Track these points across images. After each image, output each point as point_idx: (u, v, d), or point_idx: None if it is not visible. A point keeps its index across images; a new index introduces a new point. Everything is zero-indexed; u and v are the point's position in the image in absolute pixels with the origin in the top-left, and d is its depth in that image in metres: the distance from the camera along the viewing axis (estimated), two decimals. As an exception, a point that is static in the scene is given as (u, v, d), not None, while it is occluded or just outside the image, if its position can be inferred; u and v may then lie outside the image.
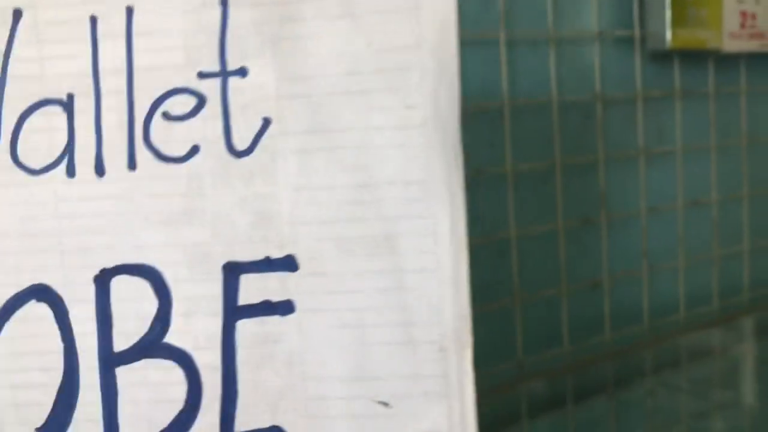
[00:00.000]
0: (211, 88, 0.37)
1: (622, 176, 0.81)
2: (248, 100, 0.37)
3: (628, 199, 0.82)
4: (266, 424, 0.37)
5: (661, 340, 0.82)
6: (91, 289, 0.38)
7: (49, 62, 0.38)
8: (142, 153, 0.37)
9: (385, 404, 0.37)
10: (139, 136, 0.37)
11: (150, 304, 0.37)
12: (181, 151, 0.37)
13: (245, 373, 0.37)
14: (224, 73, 0.37)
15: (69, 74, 0.38)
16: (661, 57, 0.81)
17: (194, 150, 0.37)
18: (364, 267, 0.37)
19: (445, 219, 0.37)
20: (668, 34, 0.78)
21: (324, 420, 0.37)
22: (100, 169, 0.38)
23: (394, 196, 0.37)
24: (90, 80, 0.38)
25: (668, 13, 0.77)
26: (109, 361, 0.37)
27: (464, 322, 0.37)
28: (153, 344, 0.37)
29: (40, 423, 0.37)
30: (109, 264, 0.38)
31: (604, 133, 0.78)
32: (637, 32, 0.79)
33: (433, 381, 0.37)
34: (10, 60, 0.38)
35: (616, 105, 0.80)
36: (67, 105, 0.38)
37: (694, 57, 0.83)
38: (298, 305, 0.37)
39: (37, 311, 0.38)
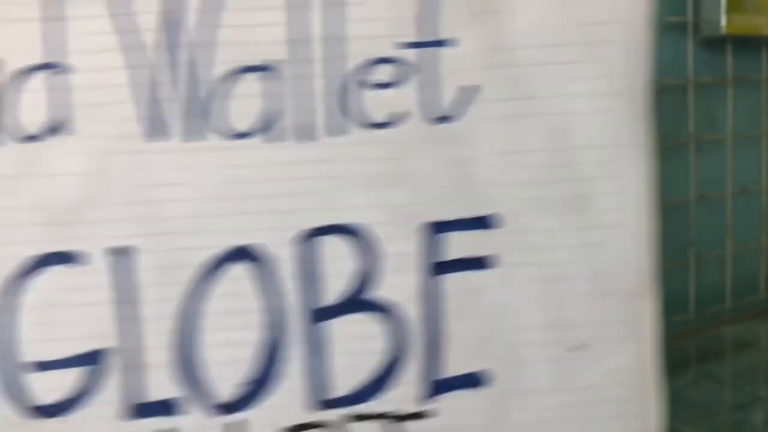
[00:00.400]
0: (419, 57, 0.39)
1: (672, 163, 0.81)
2: (456, 69, 0.39)
3: (677, 186, 0.81)
4: (470, 370, 0.40)
5: (705, 330, 0.82)
6: (294, 250, 0.40)
7: (254, 29, 0.39)
8: (346, 119, 0.40)
9: (580, 347, 0.40)
10: (343, 103, 0.40)
11: (354, 262, 0.40)
12: (387, 118, 0.40)
13: (451, 324, 0.40)
14: (434, 43, 0.39)
15: (273, 41, 0.39)
16: (714, 43, 0.82)
17: (400, 117, 0.40)
18: (560, 224, 0.40)
19: (635, 180, 0.40)
20: (723, 20, 0.78)
21: (526, 364, 0.40)
22: (302, 135, 0.40)
23: (589, 158, 0.40)
24: (295, 47, 0.39)
25: (723, -1, 0.78)
26: (314, 317, 0.40)
27: (648, 273, 0.40)
28: (357, 300, 0.40)
29: (245, 379, 0.39)
30: (312, 225, 0.40)
31: (655, 120, 0.80)
32: (690, 18, 0.80)
33: (621, 326, 0.41)
34: (220, 26, 0.39)
35: (667, 91, 0.79)
36: (270, 72, 0.39)
37: (747, 43, 0.84)
38: (501, 260, 0.40)
39: (240, 272, 0.39)
